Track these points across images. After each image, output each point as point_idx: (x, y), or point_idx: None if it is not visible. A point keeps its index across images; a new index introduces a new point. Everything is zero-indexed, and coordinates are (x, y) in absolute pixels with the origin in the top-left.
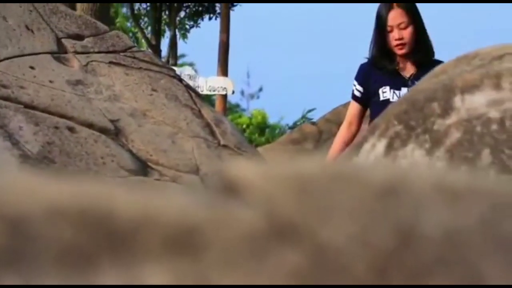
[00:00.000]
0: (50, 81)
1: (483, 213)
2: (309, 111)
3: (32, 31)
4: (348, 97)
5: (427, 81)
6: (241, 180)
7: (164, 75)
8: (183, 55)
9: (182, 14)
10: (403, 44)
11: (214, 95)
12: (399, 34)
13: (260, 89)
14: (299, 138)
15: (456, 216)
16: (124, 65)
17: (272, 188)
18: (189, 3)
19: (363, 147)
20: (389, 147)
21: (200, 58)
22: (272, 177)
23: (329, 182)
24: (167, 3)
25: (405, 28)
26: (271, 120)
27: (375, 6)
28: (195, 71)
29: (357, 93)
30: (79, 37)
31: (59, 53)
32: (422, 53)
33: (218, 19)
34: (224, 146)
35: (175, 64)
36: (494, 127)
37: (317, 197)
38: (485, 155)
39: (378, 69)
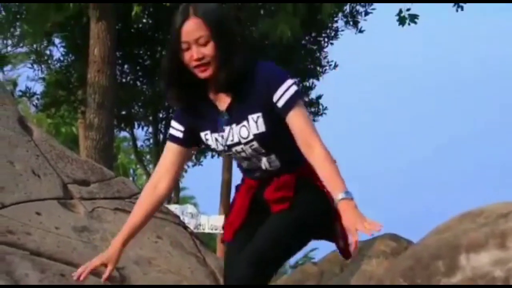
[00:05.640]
0: (56, 228)
1: None
2: (312, 250)
3: (39, 176)
4: None
5: (432, 237)
6: None
7: (169, 222)
8: (184, 188)
9: None
10: (205, 65)
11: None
12: (198, 52)
13: None
14: (301, 278)
15: None
16: (129, 212)
17: None
18: None
19: None
20: None
21: (202, 193)
22: None
23: None
24: None
25: (205, 44)
26: None
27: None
28: (197, 208)
29: (175, 133)
30: (85, 183)
31: (65, 199)
32: (229, 72)
33: (221, 157)
34: None
35: (177, 201)
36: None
37: None
38: None
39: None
